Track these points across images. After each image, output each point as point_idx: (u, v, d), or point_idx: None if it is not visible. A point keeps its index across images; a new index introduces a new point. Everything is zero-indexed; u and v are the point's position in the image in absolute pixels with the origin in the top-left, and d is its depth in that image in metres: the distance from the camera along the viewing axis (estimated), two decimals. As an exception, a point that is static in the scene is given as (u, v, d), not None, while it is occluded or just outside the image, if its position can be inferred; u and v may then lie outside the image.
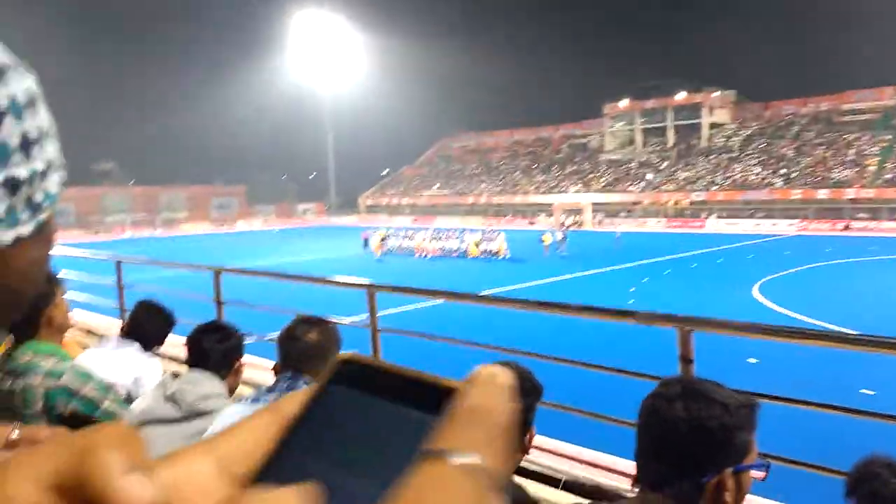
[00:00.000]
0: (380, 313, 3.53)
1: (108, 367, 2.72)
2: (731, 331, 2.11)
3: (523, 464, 1.73)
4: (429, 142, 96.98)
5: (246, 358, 2.61)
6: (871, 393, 10.96)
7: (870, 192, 48.39)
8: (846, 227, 46.77)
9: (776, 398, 1.93)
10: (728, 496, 1.19)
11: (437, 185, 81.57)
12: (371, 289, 3.40)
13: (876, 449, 1.72)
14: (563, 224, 58.44)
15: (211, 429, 1.98)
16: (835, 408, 2.02)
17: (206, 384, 2.29)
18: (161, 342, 3.21)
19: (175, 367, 4.20)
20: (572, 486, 2.52)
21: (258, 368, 4.16)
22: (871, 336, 1.93)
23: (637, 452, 1.29)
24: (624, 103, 70.69)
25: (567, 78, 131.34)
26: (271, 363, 4.47)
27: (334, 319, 2.42)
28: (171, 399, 2.19)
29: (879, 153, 52.26)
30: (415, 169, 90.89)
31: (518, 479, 1.57)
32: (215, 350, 2.42)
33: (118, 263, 5.74)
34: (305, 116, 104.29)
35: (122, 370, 2.78)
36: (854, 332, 1.98)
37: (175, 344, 4.69)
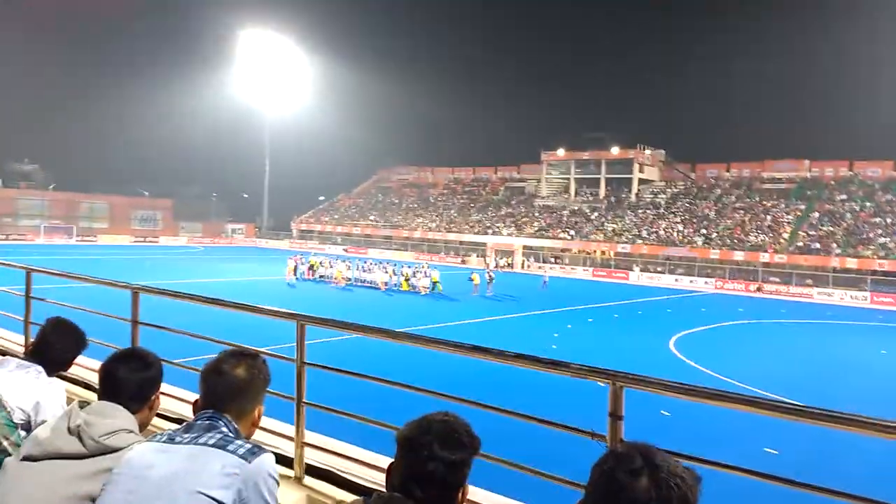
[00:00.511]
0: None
1: (5, 389, 2.50)
2: (662, 390, 2.13)
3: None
4: (367, 172, 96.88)
5: (163, 387, 2.46)
6: (775, 452, 11.43)
7: (782, 258, 51.39)
8: (758, 289, 49.33)
9: (699, 460, 1.96)
10: None
11: (373, 216, 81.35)
12: (301, 321, 3.29)
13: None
14: (496, 265, 59.32)
15: (117, 469, 1.83)
16: (766, 476, 2.06)
17: (115, 418, 2.11)
18: (67, 366, 2.98)
19: (82, 393, 3.93)
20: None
21: (174, 399, 3.94)
22: (804, 407, 2.00)
23: None
24: (561, 152, 72.91)
25: (509, 122, 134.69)
26: (188, 393, 4.25)
27: (262, 351, 2.31)
28: (76, 432, 2.02)
29: (793, 221, 55.73)
30: (351, 198, 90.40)
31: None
32: (131, 381, 2.25)
33: (28, 273, 5.38)
34: (243, 136, 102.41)
35: (22, 394, 2.55)
36: (782, 401, 2.04)
37: (83, 365, 4.38)
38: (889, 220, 51.69)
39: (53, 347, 2.86)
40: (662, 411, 12.44)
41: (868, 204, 54.67)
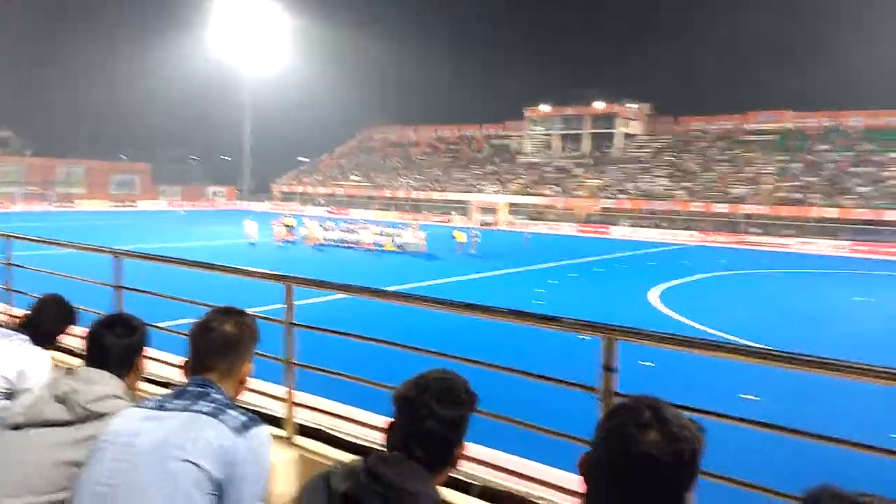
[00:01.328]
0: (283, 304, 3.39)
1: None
2: (655, 342, 2.13)
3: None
4: (350, 132, 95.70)
5: (148, 351, 2.43)
6: (756, 398, 11.70)
7: (763, 209, 51.87)
8: (740, 241, 49.91)
9: (693, 409, 1.97)
10: None
11: (356, 176, 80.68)
12: (288, 282, 3.25)
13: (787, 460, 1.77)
14: (481, 223, 59.38)
15: (103, 435, 1.80)
16: (759, 424, 2.08)
17: (102, 384, 2.08)
18: (53, 340, 2.96)
19: (67, 359, 3.89)
20: (487, 493, 2.50)
21: (160, 363, 3.91)
22: (767, 350, 2.01)
23: (600, 477, 1.23)
24: (544, 108, 72.33)
25: (492, 78, 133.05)
26: (173, 357, 4.22)
27: (250, 312, 2.28)
28: (62, 399, 1.98)
29: (775, 172, 56.08)
30: (333, 158, 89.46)
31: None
32: (117, 347, 2.22)
33: (8, 240, 5.28)
34: (222, 97, 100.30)
35: (4, 362, 2.51)
36: (763, 347, 2.05)
37: (68, 332, 4.34)
38: (868, 170, 52.16)
39: (45, 323, 2.85)
40: (642, 362, 12.63)
41: (848, 154, 55.06)
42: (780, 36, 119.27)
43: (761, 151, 59.60)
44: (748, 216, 52.27)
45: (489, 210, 62.84)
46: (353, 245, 37.45)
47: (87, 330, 2.31)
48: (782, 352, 2.08)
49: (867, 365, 1.98)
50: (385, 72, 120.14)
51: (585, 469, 1.27)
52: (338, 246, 37.64)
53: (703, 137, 65.62)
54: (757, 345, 2.17)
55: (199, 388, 1.87)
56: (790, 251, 46.35)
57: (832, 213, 49.11)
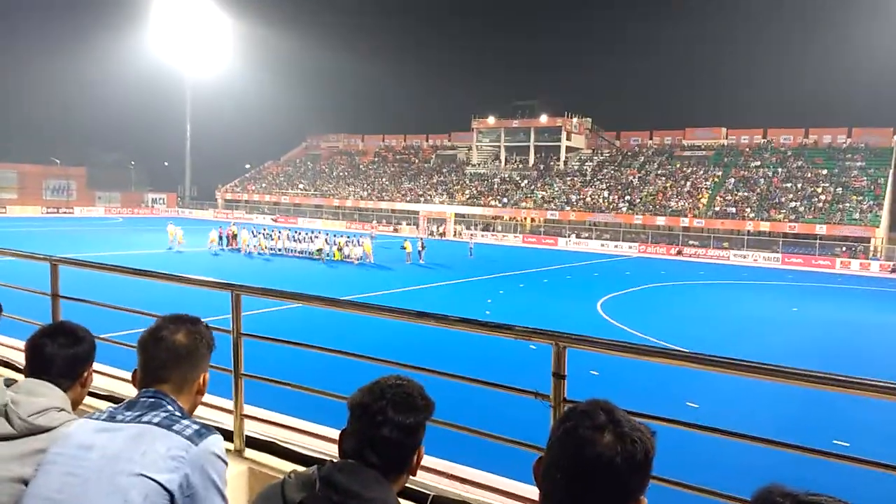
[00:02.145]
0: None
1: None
2: (604, 349, 2.19)
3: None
4: (295, 140, 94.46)
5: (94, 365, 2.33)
6: (696, 406, 12.08)
7: (701, 222, 53.74)
8: (679, 252, 51.53)
9: (643, 415, 2.02)
10: None
11: (302, 184, 79.68)
12: (236, 291, 3.19)
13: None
14: (430, 233, 59.47)
15: (54, 448, 1.72)
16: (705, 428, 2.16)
17: (45, 396, 1.98)
18: None
19: (4, 372, 3.70)
20: (440, 503, 2.50)
21: (105, 376, 3.77)
22: (720, 358, 2.09)
23: (555, 481, 1.22)
24: (491, 120, 73.18)
25: (440, 89, 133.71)
26: (118, 370, 4.07)
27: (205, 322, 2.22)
28: (2, 412, 1.88)
29: (711, 187, 58.19)
30: (279, 166, 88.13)
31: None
32: (61, 357, 2.11)
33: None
34: (162, 101, 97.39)
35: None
36: (699, 354, 2.13)
37: (4, 343, 4.14)
38: (799, 185, 54.71)
39: None
40: (592, 371, 12.88)
41: (780, 170, 57.63)
42: (715, 55, 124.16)
43: (698, 166, 61.78)
44: (686, 229, 54.05)
45: (438, 220, 63.00)
46: (298, 255, 36.93)
47: (26, 341, 2.19)
48: (714, 356, 2.15)
49: (790, 368, 2.07)
50: (331, 80, 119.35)
51: (540, 473, 1.27)
52: (283, 255, 37.05)
53: (642, 152, 67.57)
54: (693, 352, 2.25)
55: (150, 399, 1.80)
56: (726, 263, 48.11)
57: (765, 226, 51.28)
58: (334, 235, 39.84)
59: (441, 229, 61.46)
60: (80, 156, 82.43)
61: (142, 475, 1.59)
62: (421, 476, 2.62)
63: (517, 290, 27.67)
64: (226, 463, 1.76)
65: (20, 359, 2.50)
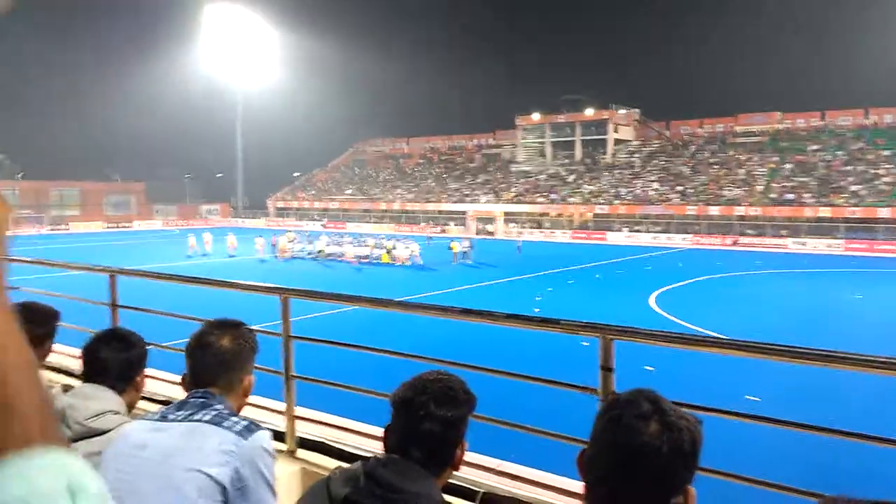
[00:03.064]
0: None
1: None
2: (651, 340, 2.13)
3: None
4: (342, 146, 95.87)
5: (147, 370, 2.41)
6: (756, 399, 11.71)
7: (757, 210, 52.03)
8: (735, 242, 50.02)
9: (692, 406, 1.97)
10: None
11: (350, 190, 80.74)
12: (284, 294, 3.25)
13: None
14: (480, 232, 59.47)
15: (108, 449, 1.79)
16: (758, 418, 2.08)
17: (100, 399, 2.06)
18: (45, 344, 2.72)
19: (63, 380, 3.86)
20: (490, 500, 2.48)
21: (160, 381, 3.89)
22: (769, 344, 2.01)
23: (599, 472, 1.21)
24: (536, 116, 72.62)
25: (482, 88, 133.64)
26: (174, 375, 4.20)
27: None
28: (60, 417, 1.96)
29: (767, 174, 56.32)
30: (327, 172, 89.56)
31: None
32: (115, 361, 2.19)
33: (-1, 262, 5.24)
34: (213, 114, 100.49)
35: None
36: (754, 342, 2.06)
37: (63, 352, 4.31)
38: (861, 168, 52.45)
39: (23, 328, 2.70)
40: (646, 366, 12.63)
41: (839, 153, 55.37)
42: (765, 38, 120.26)
43: (752, 153, 59.91)
44: (742, 218, 52.43)
45: (487, 220, 62.82)
46: (344, 259, 37.41)
47: (82, 347, 2.27)
48: (766, 344, 2.07)
49: (861, 355, 1.98)
50: (374, 85, 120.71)
51: (584, 463, 1.26)
52: (331, 259, 37.60)
53: (693, 141, 65.93)
54: (742, 340, 2.17)
55: (200, 399, 1.86)
56: (785, 251, 46.48)
57: (825, 212, 49.31)
58: (383, 238, 40.21)
59: (492, 228, 61.19)
60: (139, 171, 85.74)
61: (195, 470, 1.65)
62: (471, 473, 2.61)
63: (567, 286, 27.36)
64: (274, 457, 1.81)
65: (77, 366, 2.58)
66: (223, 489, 1.66)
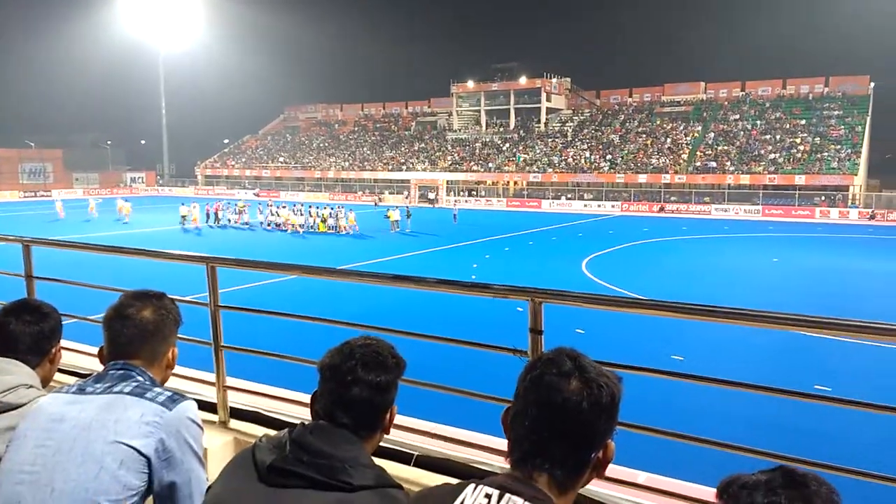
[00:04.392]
0: (221, 290, 3.30)
1: None
2: (577, 302, 2.19)
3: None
4: (273, 112, 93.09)
5: (64, 342, 2.30)
6: (680, 358, 12.28)
7: (682, 178, 53.92)
8: (661, 209, 51.78)
9: (622, 366, 2.04)
10: (606, 466, 1.24)
11: (283, 157, 78.77)
12: (211, 263, 3.15)
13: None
14: (427, 200, 59.21)
15: (23, 423, 1.71)
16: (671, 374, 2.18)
17: (12, 374, 1.97)
18: None
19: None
20: (425, 462, 2.52)
21: (80, 354, 3.74)
22: (696, 305, 2.10)
23: (523, 427, 1.23)
24: (470, 84, 72.40)
25: (417, 55, 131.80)
26: (92, 347, 4.04)
27: (172, 297, 2.19)
28: None
29: (691, 142, 58.25)
30: (258, 139, 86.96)
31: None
32: (26, 334, 2.09)
33: None
34: (136, 78, 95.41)
35: None
36: (673, 302, 2.14)
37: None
38: (778, 137, 54.90)
39: None
40: (577, 330, 13.02)
41: (759, 122, 57.73)
42: (691, 9, 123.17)
43: (678, 122, 61.72)
44: (668, 185, 54.22)
45: (430, 188, 62.47)
46: (280, 228, 36.70)
47: None
48: (692, 304, 2.16)
49: (772, 313, 2.09)
50: (306, 49, 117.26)
51: (508, 421, 1.28)
52: (265, 229, 36.82)
53: (622, 110, 67.32)
54: (664, 300, 2.26)
55: (120, 371, 1.80)
56: (708, 217, 48.45)
57: (745, 179, 51.56)
58: (317, 207, 39.57)
59: (434, 196, 60.86)
60: (56, 138, 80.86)
61: (116, 442, 1.61)
62: (405, 437, 2.64)
63: (503, 253, 27.75)
64: (201, 428, 1.78)
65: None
66: (147, 461, 1.62)
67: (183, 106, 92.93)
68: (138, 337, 1.87)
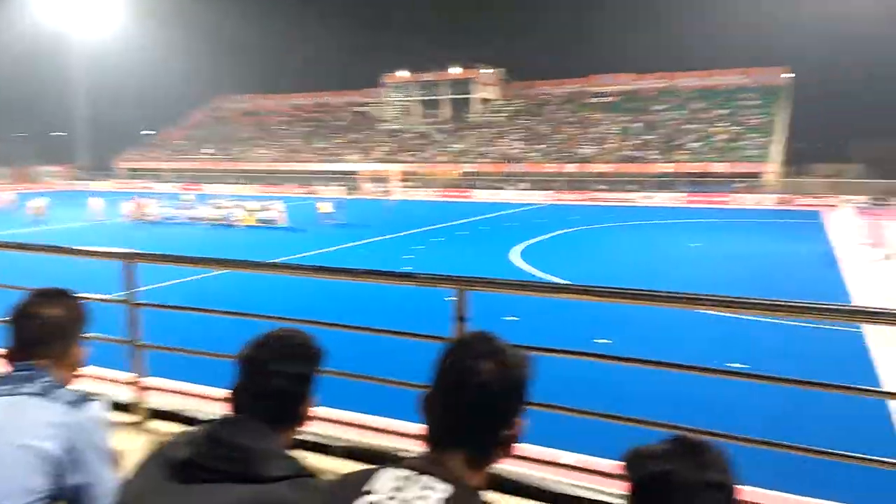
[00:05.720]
0: (143, 288, 3.17)
1: None
2: (503, 289, 2.24)
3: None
4: (199, 102, 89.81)
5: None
6: (608, 342, 12.67)
7: (609, 167, 55.45)
8: (590, 198, 53.15)
9: (538, 349, 2.09)
10: (514, 443, 1.28)
11: (209, 149, 76.29)
12: (128, 258, 3.04)
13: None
14: (375, 191, 58.34)
15: None
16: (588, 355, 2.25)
17: None
18: None
19: None
20: (351, 453, 2.52)
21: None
22: (622, 289, 2.18)
23: (438, 410, 1.27)
24: (402, 74, 72.02)
25: (348, 45, 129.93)
26: (2, 349, 3.83)
27: (88, 296, 2.11)
28: None
29: (618, 132, 59.93)
30: (183, 130, 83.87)
31: (293, 452, 1.50)
32: None
33: None
34: (48, 65, 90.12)
35: None
36: (596, 286, 2.21)
37: None
38: (700, 127, 57.16)
39: None
40: (507, 317, 13.21)
41: (682, 112, 59.92)
42: (621, 4, 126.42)
43: (605, 112, 63.36)
44: (596, 174, 55.65)
45: (379, 179, 61.54)
46: (206, 222, 35.61)
47: None
48: (615, 288, 2.24)
49: (693, 294, 2.19)
50: (233, 38, 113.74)
51: (425, 406, 1.31)
52: (191, 224, 35.67)
53: (551, 101, 68.51)
54: (582, 284, 2.33)
55: (25, 372, 1.75)
56: (634, 205, 50.03)
57: (669, 167, 53.49)
58: (245, 200, 38.58)
59: (372, 187, 59.79)
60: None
61: (21, 444, 1.57)
62: (326, 427, 2.63)
63: (436, 244, 27.83)
64: (111, 428, 1.75)
65: None
66: (54, 463, 1.58)
67: (100, 96, 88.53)
68: (44, 335, 1.82)
